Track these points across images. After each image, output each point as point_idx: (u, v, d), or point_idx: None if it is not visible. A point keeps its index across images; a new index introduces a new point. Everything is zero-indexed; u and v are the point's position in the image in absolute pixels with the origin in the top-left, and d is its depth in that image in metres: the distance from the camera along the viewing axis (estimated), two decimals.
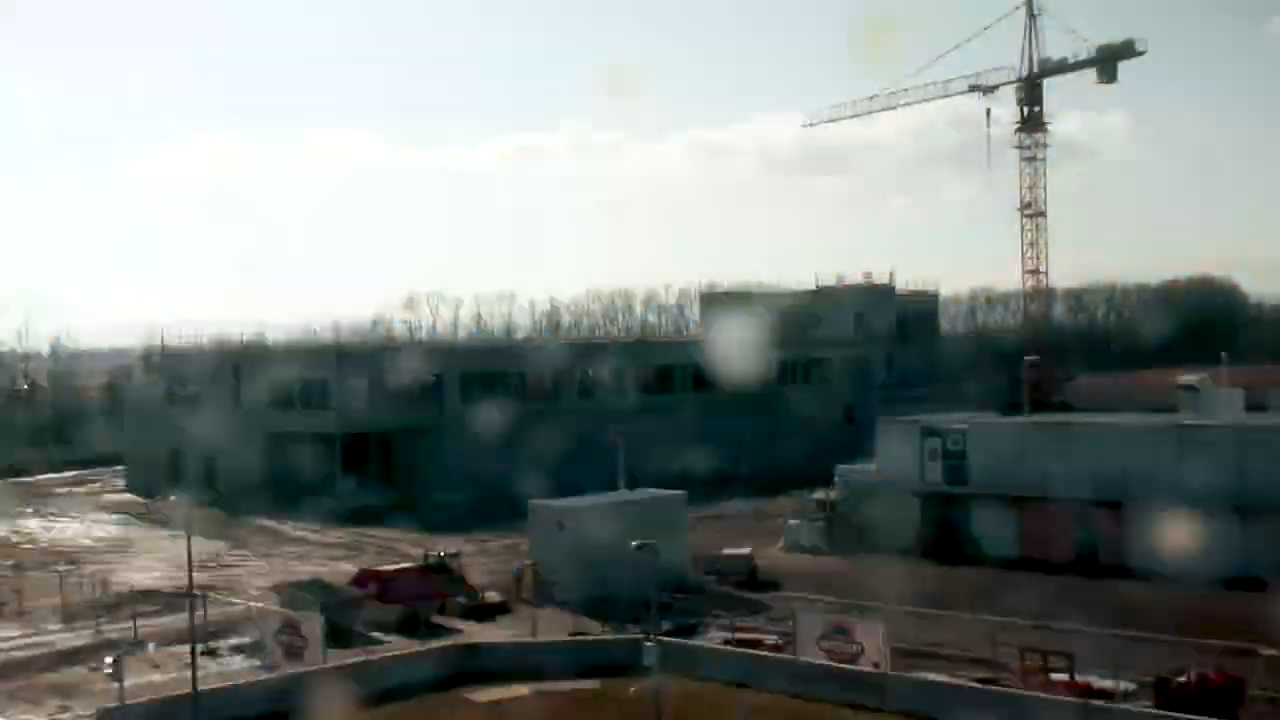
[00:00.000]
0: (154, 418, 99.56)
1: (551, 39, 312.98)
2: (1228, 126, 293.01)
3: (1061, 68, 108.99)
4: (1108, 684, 37.00)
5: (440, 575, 54.18)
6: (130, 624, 49.46)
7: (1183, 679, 35.57)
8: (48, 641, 48.70)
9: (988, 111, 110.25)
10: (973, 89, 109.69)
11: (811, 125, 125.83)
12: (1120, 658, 37.97)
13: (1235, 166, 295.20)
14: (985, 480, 59.53)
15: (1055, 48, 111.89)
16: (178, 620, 48.01)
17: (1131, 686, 36.94)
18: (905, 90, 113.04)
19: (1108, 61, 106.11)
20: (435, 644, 45.44)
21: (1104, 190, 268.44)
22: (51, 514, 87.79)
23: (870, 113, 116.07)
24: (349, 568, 58.83)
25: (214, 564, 61.84)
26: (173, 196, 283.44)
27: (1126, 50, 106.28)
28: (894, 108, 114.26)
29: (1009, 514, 58.27)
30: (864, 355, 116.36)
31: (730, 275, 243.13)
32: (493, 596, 53.28)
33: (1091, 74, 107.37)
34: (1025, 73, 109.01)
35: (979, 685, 37.77)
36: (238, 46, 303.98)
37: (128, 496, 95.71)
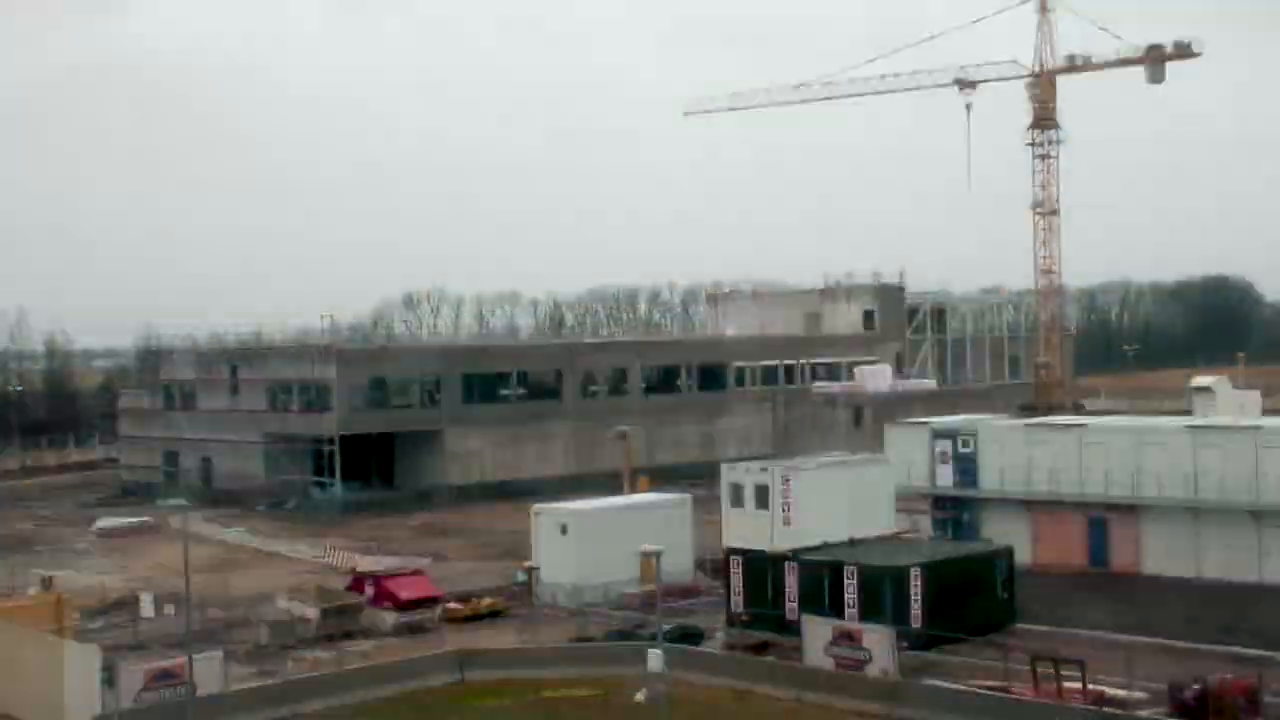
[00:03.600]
0: (150, 419, 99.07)
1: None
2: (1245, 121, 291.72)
3: (1093, 65, 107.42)
4: (1120, 692, 36.32)
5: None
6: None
7: (1196, 686, 34.84)
8: None
9: (967, 107, 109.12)
10: (956, 83, 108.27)
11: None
12: (1133, 665, 37.23)
13: (1249, 163, 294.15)
14: (996, 483, 58.62)
15: (1070, 43, 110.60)
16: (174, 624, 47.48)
17: (1144, 695, 36.17)
18: (881, 77, 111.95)
19: (1157, 62, 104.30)
20: (435, 648, 44.66)
21: (1118, 187, 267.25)
22: None
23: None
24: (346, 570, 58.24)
25: (211, 568, 61.13)
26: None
27: (1181, 51, 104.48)
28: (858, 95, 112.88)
29: (1020, 517, 57.34)
30: (873, 355, 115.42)
31: (736, 273, 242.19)
32: (489, 601, 52.47)
33: (1121, 71, 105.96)
34: (1038, 68, 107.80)
35: (989, 692, 36.95)
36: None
37: None
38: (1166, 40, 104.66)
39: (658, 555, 35.60)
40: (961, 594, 45.15)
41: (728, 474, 50.48)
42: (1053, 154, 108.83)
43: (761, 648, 43.62)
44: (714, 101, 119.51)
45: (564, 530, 53.67)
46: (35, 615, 43.74)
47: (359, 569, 55.90)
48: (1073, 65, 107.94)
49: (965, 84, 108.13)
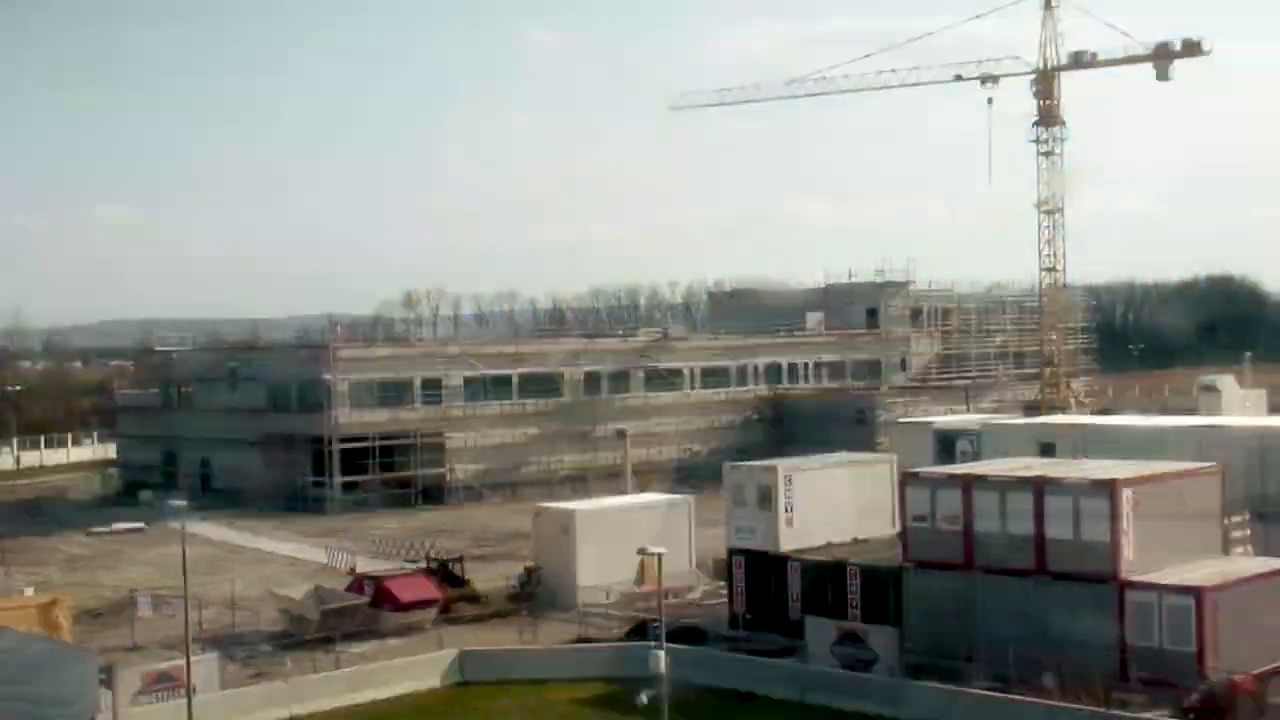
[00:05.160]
0: (148, 418, 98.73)
1: None
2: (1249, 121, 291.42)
3: (1100, 62, 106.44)
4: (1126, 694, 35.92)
5: (443, 578, 53.16)
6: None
7: (1202, 687, 34.47)
8: None
9: (989, 101, 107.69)
10: (982, 80, 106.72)
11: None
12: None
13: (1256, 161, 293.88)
14: None
15: (1078, 39, 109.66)
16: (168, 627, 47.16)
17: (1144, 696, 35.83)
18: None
19: (1163, 59, 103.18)
20: (435, 650, 44.36)
21: (1122, 186, 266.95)
22: None
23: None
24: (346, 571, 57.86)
25: (209, 569, 60.86)
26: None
27: (1190, 49, 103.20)
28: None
29: None
30: (876, 354, 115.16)
31: (738, 272, 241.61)
32: (500, 602, 52.16)
33: (1132, 69, 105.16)
34: (1041, 64, 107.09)
35: (994, 694, 36.62)
36: None
37: None
38: (1175, 38, 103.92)
39: (659, 555, 35.21)
40: None
41: (730, 473, 50.12)
42: (1057, 151, 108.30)
43: (772, 650, 43.27)
44: (700, 97, 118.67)
45: (565, 530, 53.34)
46: (31, 617, 43.41)
47: (359, 569, 55.58)
48: (1079, 62, 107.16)
49: (988, 78, 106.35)
